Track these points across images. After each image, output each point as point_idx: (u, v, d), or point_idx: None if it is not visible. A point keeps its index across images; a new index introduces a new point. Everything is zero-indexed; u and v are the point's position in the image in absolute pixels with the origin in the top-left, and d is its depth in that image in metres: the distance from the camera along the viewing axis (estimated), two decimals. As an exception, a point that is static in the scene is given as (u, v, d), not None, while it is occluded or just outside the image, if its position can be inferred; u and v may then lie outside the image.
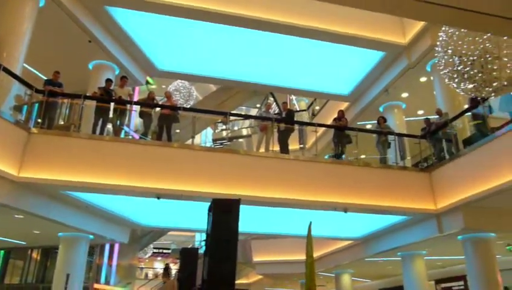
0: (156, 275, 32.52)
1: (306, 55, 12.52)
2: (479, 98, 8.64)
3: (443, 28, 6.62)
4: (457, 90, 6.73)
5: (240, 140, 23.86)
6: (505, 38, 5.58)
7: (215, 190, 8.55)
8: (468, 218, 8.94)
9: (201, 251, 11.11)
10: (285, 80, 14.10)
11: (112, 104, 10.15)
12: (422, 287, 11.53)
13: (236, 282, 24.36)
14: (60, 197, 8.90)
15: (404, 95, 13.46)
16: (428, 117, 11.41)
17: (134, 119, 15.57)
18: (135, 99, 13.72)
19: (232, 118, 19.58)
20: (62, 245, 10.43)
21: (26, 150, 8.04)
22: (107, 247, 14.67)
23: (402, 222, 10.44)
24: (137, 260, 22.84)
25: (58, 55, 11.64)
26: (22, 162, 7.93)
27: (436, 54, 6.94)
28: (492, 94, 6.39)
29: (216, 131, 25.94)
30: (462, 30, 6.06)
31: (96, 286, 13.90)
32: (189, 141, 10.71)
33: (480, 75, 6.11)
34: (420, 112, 14.15)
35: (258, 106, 23.22)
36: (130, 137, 12.66)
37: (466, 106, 10.39)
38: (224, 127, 23.92)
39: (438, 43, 6.62)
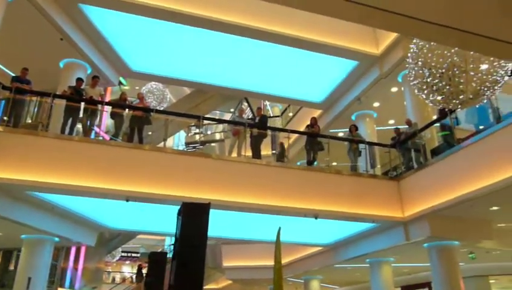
0: (123, 279, 31.95)
1: (281, 62, 12.61)
2: (446, 110, 8.89)
3: (414, 40, 6.79)
4: (426, 101, 6.90)
5: (213, 144, 23.78)
6: (471, 52, 5.76)
7: (185, 194, 8.47)
8: (434, 226, 9.17)
9: (171, 255, 10.97)
10: (260, 86, 14.14)
11: (83, 104, 9.93)
12: (388, 294, 11.73)
13: (206, 287, 24.21)
14: (25, 198, 8.63)
15: (376, 104, 13.72)
16: (398, 127, 11.67)
17: (106, 120, 15.32)
18: (107, 99, 13.46)
19: (205, 122, 19.50)
20: (25, 248, 10.08)
21: (-10, 149, 7.77)
22: (73, 250, 14.30)
23: (371, 229, 10.60)
24: (105, 264, 22.39)
25: (27, 52, 11.32)
26: (-15, 160, 7.66)
27: (407, 66, 7.12)
28: (459, 106, 6.58)
29: (189, 134, 25.79)
30: (432, 43, 6.23)
31: (60, 290, 13.53)
32: (162, 144, 10.60)
33: (448, 87, 6.29)
34: (391, 122, 14.45)
35: (232, 110, 23.22)
36: (101, 138, 12.42)
37: (434, 117, 10.70)
38: (197, 130, 23.81)
39: (409, 54, 6.78)
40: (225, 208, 8.89)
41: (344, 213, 9.58)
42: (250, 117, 17.73)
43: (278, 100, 17.62)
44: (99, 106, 10.88)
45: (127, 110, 10.61)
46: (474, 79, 5.97)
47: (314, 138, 11.42)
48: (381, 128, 14.18)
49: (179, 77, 13.78)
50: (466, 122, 9.79)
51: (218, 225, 10.75)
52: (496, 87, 6.11)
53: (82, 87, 10.07)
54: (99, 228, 11.59)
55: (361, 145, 11.39)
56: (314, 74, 13.24)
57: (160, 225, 11.35)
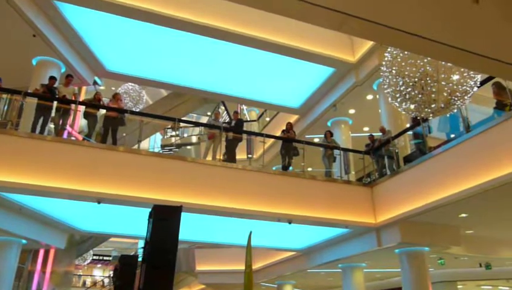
0: (94, 283, 31.33)
1: (259, 67, 12.64)
2: (419, 118, 9.07)
3: (389, 49, 6.91)
4: (399, 109, 7.02)
5: (189, 147, 23.62)
6: (443, 63, 5.89)
7: (159, 196, 8.37)
8: (405, 232, 9.33)
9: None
10: (237, 90, 14.14)
11: (55, 103, 9.70)
12: (360, 299, 11.85)
13: (179, 291, 23.82)
14: (-9, 198, 8.36)
15: (351, 111, 13.90)
16: (373, 134, 11.84)
17: (80, 120, 15.02)
18: (80, 99, 13.20)
19: (182, 124, 19.36)
20: (-10, 250, 9.76)
21: (-45, 146, 7.50)
22: (41, 252, 13.90)
23: (343, 234, 10.69)
24: (75, 267, 21.88)
25: (-2, 48, 11.01)
26: (-51, 158, 7.39)
27: (381, 74, 7.24)
28: (431, 115, 6.71)
29: (165, 137, 25.54)
30: (406, 52, 6.35)
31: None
32: (137, 146, 10.46)
33: (420, 96, 6.42)
34: (366, 129, 14.65)
35: (209, 114, 23.14)
36: (73, 138, 12.16)
37: (408, 125, 10.90)
38: (173, 133, 23.59)
39: (384, 62, 6.89)
40: (199, 212, 8.81)
41: (318, 218, 9.63)
42: (226, 121, 17.69)
43: (255, 104, 17.64)
44: (73, 106, 10.67)
45: (101, 110, 10.42)
46: (445, 88, 6.11)
47: (289, 143, 11.47)
48: (356, 135, 14.37)
49: (155, 79, 13.64)
50: (438, 130, 9.99)
51: (192, 229, 10.69)
52: (465, 97, 6.26)
53: (55, 85, 9.85)
54: (70, 230, 11.33)
55: (336, 151, 11.51)
56: (291, 80, 13.33)
57: (133, 227, 11.17)
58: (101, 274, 35.12)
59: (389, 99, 7.03)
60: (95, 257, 29.20)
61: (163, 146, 24.33)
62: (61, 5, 10.07)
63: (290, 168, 11.32)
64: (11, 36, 10.54)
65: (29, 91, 9.84)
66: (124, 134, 12.62)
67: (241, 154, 12.23)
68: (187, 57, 12.36)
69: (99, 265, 35.55)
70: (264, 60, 12.13)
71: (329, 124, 14.23)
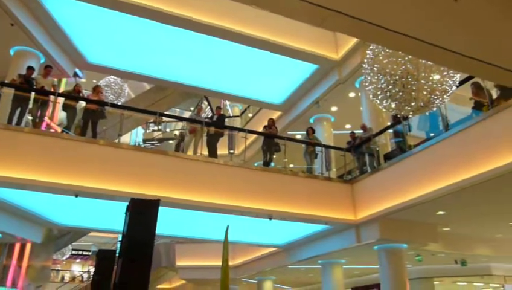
0: (73, 278, 30.89)
1: (242, 62, 12.60)
2: (399, 116, 9.17)
3: (371, 47, 6.95)
4: (380, 106, 7.07)
5: (171, 142, 23.42)
6: (423, 61, 5.95)
7: (139, 191, 8.26)
8: (383, 229, 9.43)
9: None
10: (220, 85, 14.06)
11: (33, 94, 9.49)
12: (339, 295, 11.95)
13: (159, 287, 23.77)
14: (-36, 190, 8.15)
15: (334, 108, 13.97)
16: (354, 131, 11.92)
17: (59, 112, 14.73)
18: (60, 91, 12.95)
19: (164, 119, 19.14)
20: (-36, 244, 9.55)
21: None
22: (17, 246, 13.63)
23: (323, 231, 10.76)
24: (53, 262, 21.54)
25: (-26, 37, 10.70)
26: None
27: (363, 71, 7.28)
28: (411, 113, 6.78)
29: (147, 131, 25.25)
30: (387, 50, 6.40)
31: None
32: (117, 140, 10.30)
33: (401, 94, 6.48)
34: (348, 126, 14.75)
35: (192, 108, 22.96)
36: (52, 130, 11.92)
37: (389, 123, 11.01)
38: (155, 127, 23.36)
39: (365, 60, 6.93)
40: (179, 206, 8.76)
41: (298, 214, 9.66)
42: (209, 116, 17.59)
43: (237, 100, 17.59)
44: (52, 97, 10.45)
45: (80, 102, 10.24)
46: (425, 87, 6.18)
47: (271, 139, 11.47)
48: (338, 132, 14.45)
49: (138, 72, 13.47)
50: (418, 129, 10.11)
51: (173, 224, 10.61)
52: (445, 96, 6.35)
53: (33, 76, 9.63)
54: (47, 224, 11.12)
55: (317, 148, 11.56)
56: (274, 76, 13.32)
57: (112, 222, 10.99)
58: (80, 269, 34.68)
59: (371, 96, 7.08)
60: (74, 252, 28.81)
61: (145, 140, 24.05)
62: (41, -6, 9.85)
63: (272, 164, 11.33)
64: (-12, 24, 10.27)
65: (6, 81, 9.59)
66: (105, 127, 12.45)
67: (222, 150, 12.18)
68: (170, 51, 12.24)
69: (78, 260, 35.10)
70: (248, 56, 12.09)
71: (311, 120, 14.27)
